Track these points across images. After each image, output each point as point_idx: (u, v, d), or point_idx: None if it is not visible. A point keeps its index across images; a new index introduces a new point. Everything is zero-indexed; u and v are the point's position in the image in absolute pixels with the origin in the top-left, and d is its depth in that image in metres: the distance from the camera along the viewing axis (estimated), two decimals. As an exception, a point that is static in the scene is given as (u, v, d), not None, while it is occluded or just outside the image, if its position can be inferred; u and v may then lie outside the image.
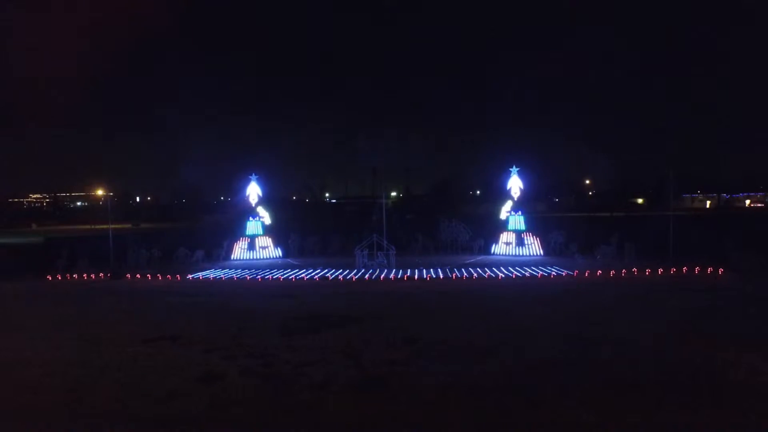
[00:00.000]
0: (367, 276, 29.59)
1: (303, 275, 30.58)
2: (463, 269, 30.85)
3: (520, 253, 38.93)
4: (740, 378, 12.16)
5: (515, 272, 29.61)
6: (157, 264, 36.75)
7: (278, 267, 35.25)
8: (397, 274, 29.77)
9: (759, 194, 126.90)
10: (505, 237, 40.30)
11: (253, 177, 43.28)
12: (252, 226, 42.15)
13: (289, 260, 39.83)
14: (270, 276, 30.66)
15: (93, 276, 33.04)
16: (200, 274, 32.13)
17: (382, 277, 29.39)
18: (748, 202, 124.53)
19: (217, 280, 30.69)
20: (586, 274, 28.49)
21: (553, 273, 29.12)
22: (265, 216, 42.83)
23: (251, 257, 41.05)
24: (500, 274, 29.17)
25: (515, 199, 40.26)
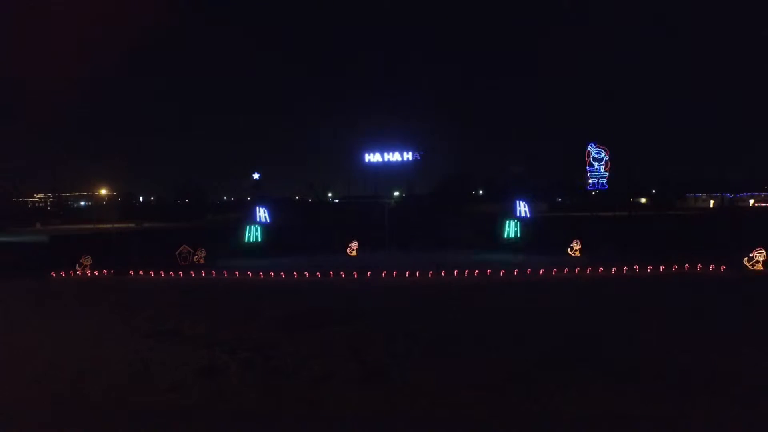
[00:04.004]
0: (369, 273, 29.65)
1: (305, 272, 30.65)
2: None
3: (521, 251, 38.82)
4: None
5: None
6: (161, 261, 36.86)
7: (279, 264, 35.31)
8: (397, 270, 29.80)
9: (763, 194, 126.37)
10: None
11: (255, 175, 43.42)
12: (252, 232, 42.05)
13: (290, 258, 39.91)
14: (271, 273, 30.76)
15: (96, 272, 33.24)
16: (202, 271, 32.26)
17: (383, 273, 29.46)
18: (752, 201, 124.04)
19: (219, 277, 30.81)
20: (584, 271, 28.49)
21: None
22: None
23: (252, 255, 41.13)
24: (499, 271, 29.17)
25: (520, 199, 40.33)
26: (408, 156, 40.31)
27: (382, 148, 40.59)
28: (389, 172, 43.88)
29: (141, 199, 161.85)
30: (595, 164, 41.72)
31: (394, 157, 40.72)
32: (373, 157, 40.94)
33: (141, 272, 32.55)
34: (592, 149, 41.20)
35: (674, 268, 28.68)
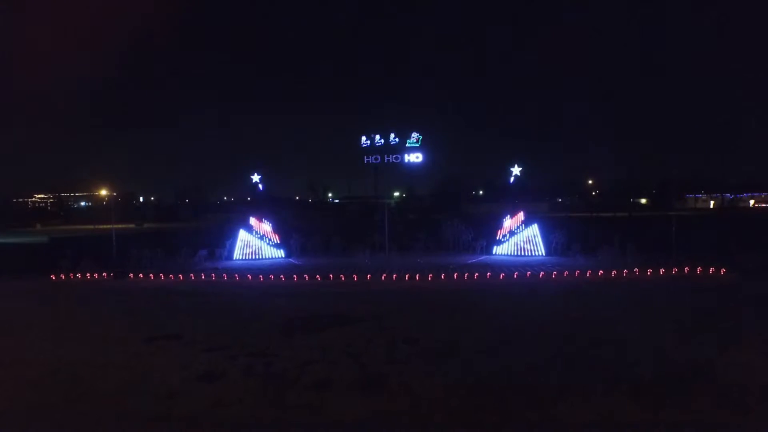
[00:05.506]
0: (369, 275, 29.65)
1: (304, 275, 30.62)
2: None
3: (522, 254, 38.88)
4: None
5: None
6: (160, 263, 36.85)
7: (280, 267, 35.32)
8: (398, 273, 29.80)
9: (763, 194, 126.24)
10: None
11: (256, 177, 43.42)
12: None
13: (291, 260, 39.92)
14: (271, 276, 30.72)
15: (96, 275, 33.19)
16: (202, 274, 32.21)
17: (383, 276, 29.48)
18: (752, 202, 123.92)
19: (218, 280, 30.79)
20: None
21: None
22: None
23: (253, 257, 41.13)
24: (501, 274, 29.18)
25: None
26: (409, 158, 40.21)
27: (384, 150, 40.50)
28: (390, 173, 43.69)
29: (141, 199, 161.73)
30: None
31: (395, 158, 40.61)
32: (374, 158, 40.85)
33: (141, 274, 32.52)
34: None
35: (674, 270, 28.64)
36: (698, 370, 12.80)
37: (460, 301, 22.95)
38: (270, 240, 41.95)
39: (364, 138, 40.31)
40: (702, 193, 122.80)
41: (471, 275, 29.10)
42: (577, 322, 18.19)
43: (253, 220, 41.99)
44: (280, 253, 41.69)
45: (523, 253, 38.86)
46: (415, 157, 39.81)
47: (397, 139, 39.65)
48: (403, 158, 39.98)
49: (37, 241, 53.96)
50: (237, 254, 41.26)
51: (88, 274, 33.37)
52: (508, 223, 40.03)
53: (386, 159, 40.56)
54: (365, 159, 40.91)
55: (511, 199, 41.92)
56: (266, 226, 41.90)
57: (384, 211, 40.80)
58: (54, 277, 32.69)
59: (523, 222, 39.57)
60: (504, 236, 39.85)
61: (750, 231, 40.37)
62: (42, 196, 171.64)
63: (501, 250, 40.06)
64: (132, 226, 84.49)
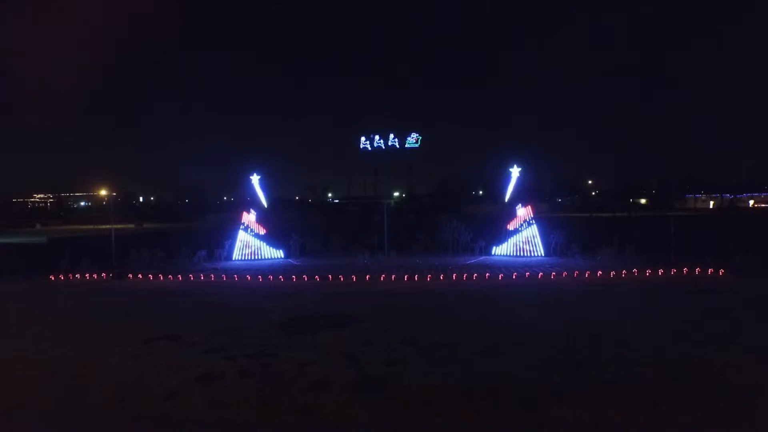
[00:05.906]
0: (368, 276, 29.66)
1: (303, 276, 30.62)
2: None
3: (521, 254, 38.90)
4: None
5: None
6: (160, 264, 36.86)
7: (279, 267, 35.33)
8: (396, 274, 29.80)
9: (763, 194, 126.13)
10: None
11: (256, 177, 43.48)
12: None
13: (290, 260, 39.93)
14: (270, 276, 30.73)
15: (95, 276, 33.18)
16: (201, 275, 32.21)
17: (382, 277, 29.48)
18: (752, 202, 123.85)
19: (218, 281, 30.79)
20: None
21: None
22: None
23: (252, 258, 41.13)
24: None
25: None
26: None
27: (383, 150, 40.59)
28: (389, 173, 43.78)
29: (141, 199, 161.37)
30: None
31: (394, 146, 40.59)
32: (372, 155, 40.93)
33: (140, 275, 32.52)
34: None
35: (673, 271, 28.65)
36: (697, 370, 12.82)
37: (459, 302, 22.96)
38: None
39: (363, 138, 40.52)
40: (702, 194, 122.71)
41: (470, 276, 29.12)
42: (576, 323, 18.19)
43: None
44: (280, 254, 41.72)
45: (522, 254, 38.89)
46: (414, 157, 39.86)
47: (396, 140, 39.77)
48: (402, 158, 40.06)
49: (37, 241, 53.92)
50: (236, 255, 41.34)
51: (87, 275, 33.39)
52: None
53: (386, 159, 40.59)
54: (365, 159, 40.98)
55: (512, 199, 41.94)
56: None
57: (383, 211, 40.80)
58: (53, 278, 32.70)
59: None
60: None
61: (749, 231, 40.37)
62: (42, 196, 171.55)
63: (500, 251, 40.09)
64: (131, 226, 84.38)
